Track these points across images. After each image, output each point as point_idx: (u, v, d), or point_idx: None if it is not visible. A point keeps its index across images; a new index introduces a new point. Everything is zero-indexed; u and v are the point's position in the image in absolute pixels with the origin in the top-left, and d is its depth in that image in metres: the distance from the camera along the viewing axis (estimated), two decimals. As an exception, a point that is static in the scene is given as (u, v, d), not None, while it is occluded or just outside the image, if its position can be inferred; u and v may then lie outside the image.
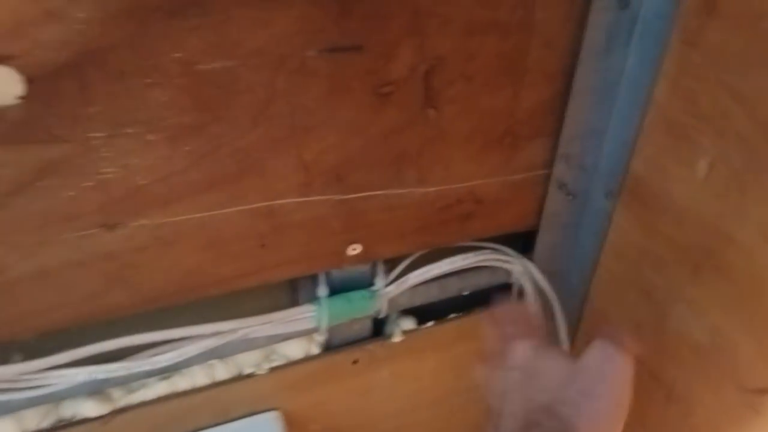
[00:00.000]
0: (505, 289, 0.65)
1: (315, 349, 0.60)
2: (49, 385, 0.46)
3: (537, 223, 0.60)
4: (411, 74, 0.44)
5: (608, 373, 0.39)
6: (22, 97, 0.34)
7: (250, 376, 0.57)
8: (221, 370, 0.55)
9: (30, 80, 0.34)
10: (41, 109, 0.35)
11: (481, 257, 0.60)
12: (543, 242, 0.61)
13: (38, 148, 0.36)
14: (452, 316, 0.66)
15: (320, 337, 0.60)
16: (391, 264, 0.58)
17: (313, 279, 0.56)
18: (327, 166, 0.47)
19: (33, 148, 0.36)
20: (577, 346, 0.62)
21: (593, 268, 0.59)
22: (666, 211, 0.49)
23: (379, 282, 0.57)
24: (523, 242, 0.63)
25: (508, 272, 0.63)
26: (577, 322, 0.62)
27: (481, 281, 0.64)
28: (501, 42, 0.45)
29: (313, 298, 0.56)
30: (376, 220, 0.52)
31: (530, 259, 0.62)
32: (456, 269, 0.60)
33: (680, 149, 0.46)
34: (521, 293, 0.64)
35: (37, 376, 0.45)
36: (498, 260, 0.61)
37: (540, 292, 0.62)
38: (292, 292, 0.58)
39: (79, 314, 0.44)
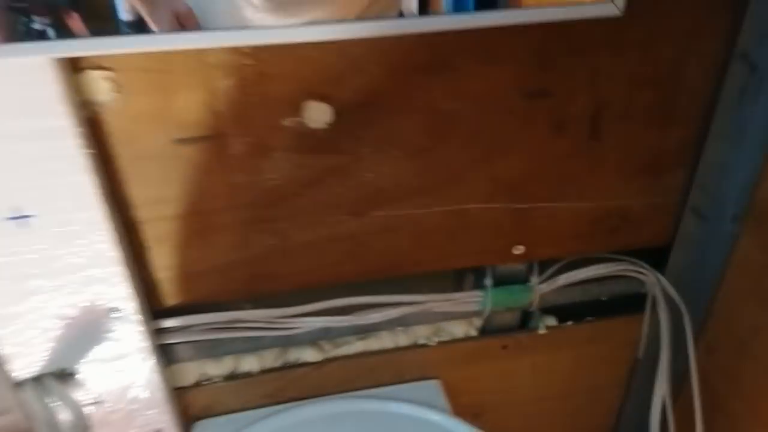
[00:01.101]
0: (637, 297, 0.82)
1: (473, 332, 0.80)
2: (295, 328, 0.68)
3: (670, 239, 0.77)
4: (582, 114, 0.63)
5: None
6: (328, 124, 0.57)
7: (422, 345, 0.77)
8: (403, 338, 0.76)
9: (337, 113, 0.56)
10: (337, 132, 0.57)
11: (621, 267, 0.78)
12: (675, 257, 0.77)
13: (329, 157, 0.59)
14: (588, 318, 0.84)
15: (478, 321, 0.79)
16: (543, 265, 0.77)
17: (478, 270, 0.76)
18: (508, 181, 0.66)
19: (326, 156, 0.59)
20: (701, 350, 0.77)
21: (718, 281, 0.75)
22: (786, 234, 0.65)
23: (534, 279, 0.76)
24: (654, 256, 0.80)
25: (641, 283, 0.80)
26: (702, 328, 0.78)
27: (617, 289, 0.81)
28: (655, 92, 0.63)
29: (479, 287, 0.76)
30: (540, 227, 0.71)
31: (661, 271, 0.79)
32: (598, 276, 0.78)
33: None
34: (654, 302, 0.81)
35: (288, 320, 0.67)
36: (634, 271, 0.79)
37: (670, 301, 0.79)
38: (456, 280, 0.78)
39: (321, 277, 0.66)
